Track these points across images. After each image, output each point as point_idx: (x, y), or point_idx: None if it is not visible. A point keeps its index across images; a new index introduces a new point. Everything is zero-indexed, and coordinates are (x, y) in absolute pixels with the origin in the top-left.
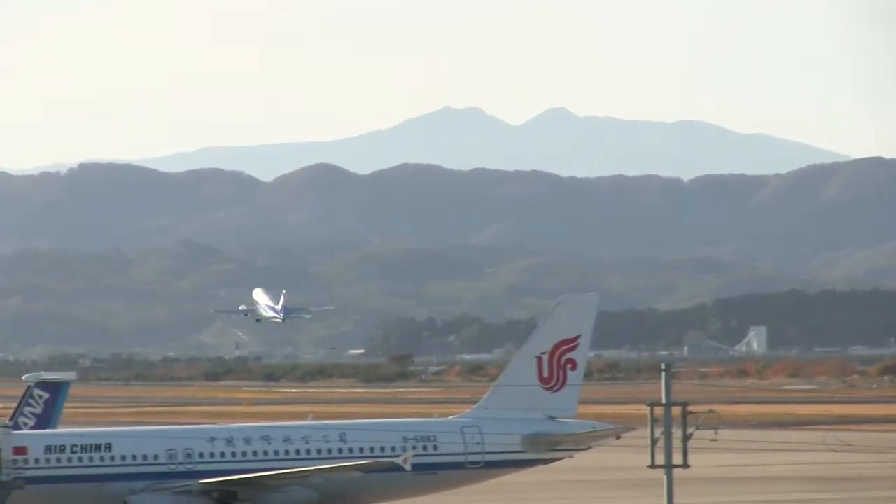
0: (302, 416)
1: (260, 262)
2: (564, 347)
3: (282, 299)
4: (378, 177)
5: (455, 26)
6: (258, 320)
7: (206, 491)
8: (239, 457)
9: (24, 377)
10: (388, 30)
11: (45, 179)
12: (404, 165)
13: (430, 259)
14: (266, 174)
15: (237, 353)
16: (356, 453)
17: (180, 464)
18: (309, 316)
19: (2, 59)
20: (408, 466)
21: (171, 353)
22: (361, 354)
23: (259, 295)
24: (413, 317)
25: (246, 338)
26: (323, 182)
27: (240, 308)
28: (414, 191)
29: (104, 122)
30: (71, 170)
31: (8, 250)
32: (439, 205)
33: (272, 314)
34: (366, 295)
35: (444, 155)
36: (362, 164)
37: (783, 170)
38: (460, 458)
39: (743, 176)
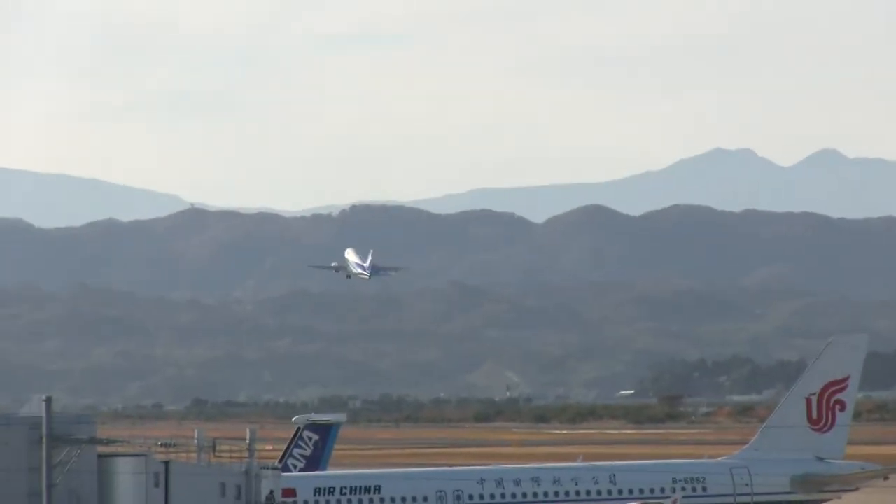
0: (572, 457)
1: (530, 303)
2: (833, 388)
3: (370, 258)
4: (649, 218)
5: (728, 68)
6: (348, 276)
7: None
8: (508, 498)
9: (294, 419)
10: (661, 71)
11: (317, 221)
12: (675, 207)
13: (701, 300)
14: (537, 215)
15: (508, 394)
16: (626, 495)
17: None
18: (395, 273)
19: (279, 100)
20: None
21: (441, 395)
22: (631, 395)
23: (350, 254)
24: (683, 357)
25: (517, 379)
26: (594, 223)
27: (332, 264)
28: (685, 232)
29: (376, 164)
30: (343, 211)
31: (280, 292)
32: (710, 245)
33: (360, 271)
34: (636, 335)
35: (715, 196)
36: (633, 206)
37: None
38: (729, 500)
39: None
